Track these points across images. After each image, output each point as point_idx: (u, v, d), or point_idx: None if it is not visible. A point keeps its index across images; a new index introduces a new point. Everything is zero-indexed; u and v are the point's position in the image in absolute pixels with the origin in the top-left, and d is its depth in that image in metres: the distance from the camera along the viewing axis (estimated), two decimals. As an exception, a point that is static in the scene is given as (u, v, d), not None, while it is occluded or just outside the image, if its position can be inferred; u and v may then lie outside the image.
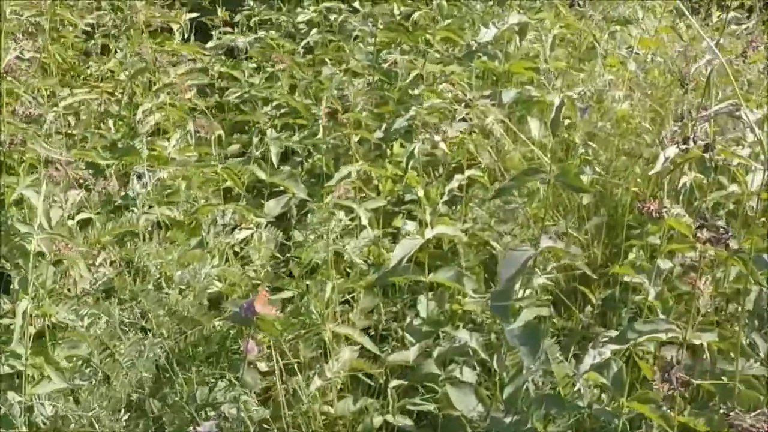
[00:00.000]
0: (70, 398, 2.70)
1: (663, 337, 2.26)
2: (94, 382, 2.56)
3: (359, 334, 3.11)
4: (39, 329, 2.85)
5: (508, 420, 2.55)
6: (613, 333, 2.32)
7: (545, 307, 2.57)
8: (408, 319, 3.49)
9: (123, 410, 2.75)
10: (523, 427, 2.53)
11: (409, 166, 3.32)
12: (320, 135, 3.60)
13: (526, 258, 2.55)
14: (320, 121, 3.38)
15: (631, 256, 3.47)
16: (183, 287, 2.92)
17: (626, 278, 3.09)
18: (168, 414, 2.75)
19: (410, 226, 3.70)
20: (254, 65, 4.81)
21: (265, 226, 3.47)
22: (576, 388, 2.44)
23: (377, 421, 3.09)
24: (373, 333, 3.48)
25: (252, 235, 3.20)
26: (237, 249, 3.51)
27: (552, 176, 2.57)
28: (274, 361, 2.98)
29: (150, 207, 3.12)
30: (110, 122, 3.92)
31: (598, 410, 2.52)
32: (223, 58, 4.83)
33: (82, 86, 4.06)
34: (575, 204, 3.72)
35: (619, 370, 2.40)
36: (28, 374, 2.65)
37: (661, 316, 2.47)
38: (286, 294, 3.38)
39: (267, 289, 2.79)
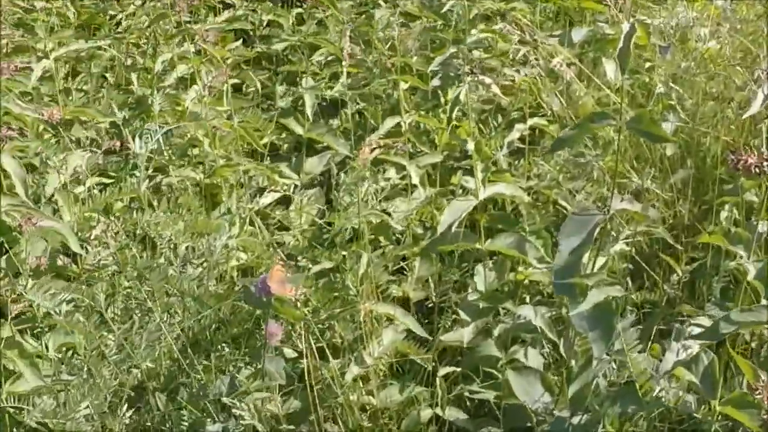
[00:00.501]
0: (62, 394, 2.30)
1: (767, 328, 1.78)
2: (83, 375, 2.14)
3: (402, 314, 2.67)
4: (31, 314, 2.47)
5: (576, 421, 2.10)
6: (703, 319, 1.85)
7: (619, 286, 2.09)
8: (469, 290, 3.04)
9: (125, 406, 2.34)
10: (594, 429, 2.07)
11: (454, 113, 2.86)
12: (343, 80, 3.13)
13: (593, 225, 2.09)
14: (344, 63, 2.92)
15: (723, 215, 2.98)
16: (197, 261, 2.49)
17: (719, 242, 2.60)
18: (174, 413, 2.34)
19: (472, 183, 3.23)
20: (301, 11, 4.36)
21: (300, 189, 3.04)
22: (658, 390, 1.98)
23: (426, 414, 2.65)
24: (431, 305, 3.03)
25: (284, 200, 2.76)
26: (276, 217, 3.09)
27: (623, 122, 2.09)
28: (304, 345, 2.55)
29: (157, 169, 2.69)
30: (134, 76, 3.51)
31: (683, 408, 2.06)
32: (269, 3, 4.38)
33: (104, 38, 3.64)
34: (657, 156, 3.23)
35: (710, 364, 1.93)
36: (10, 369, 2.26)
37: (765, 302, 1.99)
38: (326, 266, 2.95)
39: (282, 263, 2.35)
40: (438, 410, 2.63)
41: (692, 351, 1.87)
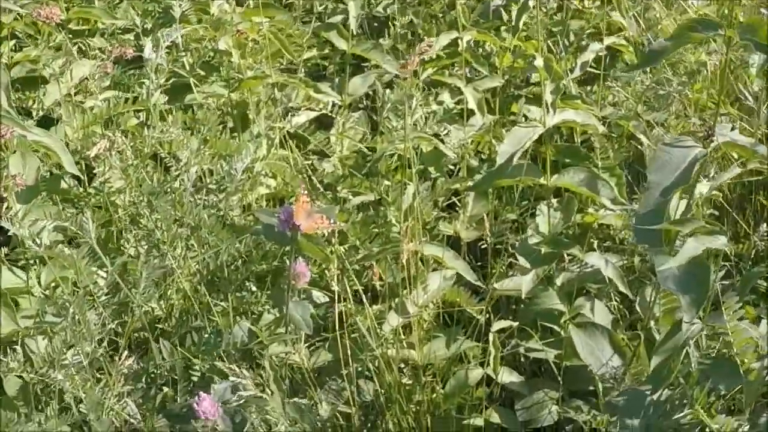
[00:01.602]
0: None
1: None
2: (69, 318, 1.79)
3: (452, 257, 2.30)
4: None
5: (657, 397, 1.72)
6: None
7: (722, 235, 1.70)
8: (529, 232, 2.67)
9: (125, 354, 1.99)
10: (680, 409, 1.69)
11: (521, 22, 2.46)
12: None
13: (692, 159, 1.69)
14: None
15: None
16: (215, 186, 2.13)
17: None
18: (182, 363, 1.99)
19: (535, 112, 2.82)
20: None
21: (342, 110, 2.67)
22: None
23: (475, 374, 2.29)
24: (484, 246, 2.66)
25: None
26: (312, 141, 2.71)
27: (733, 32, 1.68)
28: (337, 289, 2.19)
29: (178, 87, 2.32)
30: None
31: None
32: None
33: None
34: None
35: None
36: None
37: None
38: (367, 198, 2.59)
39: (308, 193, 1.98)
40: (490, 371, 2.26)
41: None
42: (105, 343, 1.86)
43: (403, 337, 2.31)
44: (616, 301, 2.52)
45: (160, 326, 2.28)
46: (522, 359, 2.48)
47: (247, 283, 2.35)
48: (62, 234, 2.00)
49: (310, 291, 2.13)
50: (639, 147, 2.78)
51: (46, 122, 2.52)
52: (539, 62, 2.16)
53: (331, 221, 1.97)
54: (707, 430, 1.75)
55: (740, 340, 1.67)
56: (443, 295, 2.34)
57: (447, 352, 2.34)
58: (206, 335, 2.13)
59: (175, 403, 1.93)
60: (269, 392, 1.86)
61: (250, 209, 2.42)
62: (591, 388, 2.38)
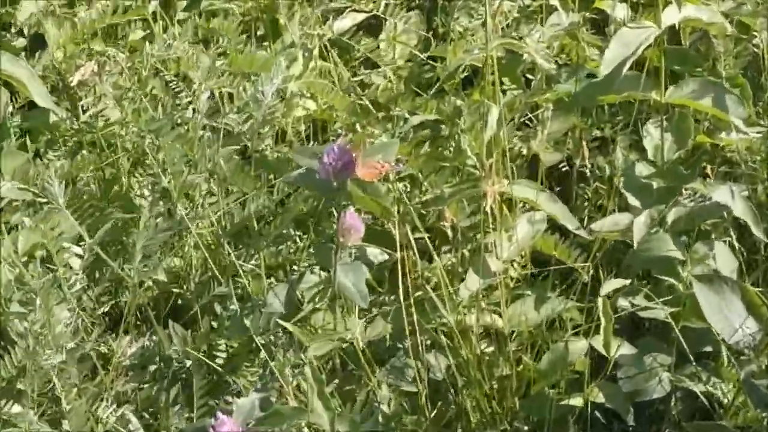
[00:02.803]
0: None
1: None
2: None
3: (548, 199, 1.80)
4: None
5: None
6: None
7: None
8: (618, 156, 2.16)
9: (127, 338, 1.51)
10: None
11: None
12: None
13: None
14: None
15: None
16: (236, 116, 1.63)
17: None
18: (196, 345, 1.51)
19: (620, 9, 2.27)
20: None
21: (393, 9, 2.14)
22: None
23: (578, 347, 1.79)
24: (565, 168, 2.23)
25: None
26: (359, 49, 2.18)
27: None
28: (398, 240, 1.70)
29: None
30: None
31: None
32: None
33: None
34: None
35: None
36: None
37: None
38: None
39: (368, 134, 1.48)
40: (597, 343, 1.76)
41: None
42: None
43: (482, 297, 1.82)
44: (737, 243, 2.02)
45: (175, 291, 1.80)
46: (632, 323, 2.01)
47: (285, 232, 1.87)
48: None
49: (365, 249, 1.62)
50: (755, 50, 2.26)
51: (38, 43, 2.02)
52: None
53: (393, 163, 1.48)
54: None
55: None
56: (533, 246, 1.84)
57: (538, 316, 1.85)
58: (231, 308, 1.65)
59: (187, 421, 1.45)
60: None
61: (284, 139, 1.92)
62: (708, 348, 1.91)
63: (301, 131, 2.04)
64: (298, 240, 1.85)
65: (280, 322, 1.61)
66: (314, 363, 1.50)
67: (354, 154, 1.44)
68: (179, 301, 1.87)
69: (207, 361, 1.58)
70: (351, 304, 1.63)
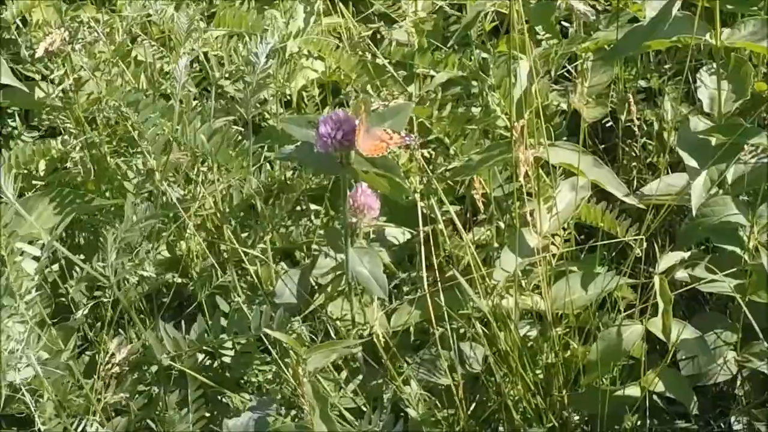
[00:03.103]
0: None
1: None
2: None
3: (592, 164, 1.57)
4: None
5: None
6: None
7: None
8: (668, 108, 1.95)
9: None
10: None
11: None
12: None
13: None
14: None
15: None
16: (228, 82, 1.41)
17: None
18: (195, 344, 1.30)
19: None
20: None
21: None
22: None
23: (634, 333, 1.56)
24: (609, 123, 2.06)
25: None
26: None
27: None
28: (420, 217, 1.48)
29: None
30: None
31: None
32: None
33: None
34: None
35: None
36: None
37: None
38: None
39: (371, 101, 1.26)
40: (654, 326, 1.54)
41: None
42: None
43: (521, 278, 1.60)
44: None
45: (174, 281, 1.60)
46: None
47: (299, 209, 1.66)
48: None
49: (382, 230, 1.40)
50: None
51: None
52: None
53: (405, 135, 1.25)
54: None
55: None
56: (576, 216, 1.62)
57: (585, 296, 1.63)
58: (234, 303, 1.44)
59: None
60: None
61: (291, 105, 1.70)
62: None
63: (314, 95, 1.82)
64: (313, 218, 1.63)
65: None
66: (315, 377, 1.28)
67: (356, 122, 1.22)
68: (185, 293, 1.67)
69: (203, 369, 1.38)
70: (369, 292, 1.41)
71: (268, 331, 1.27)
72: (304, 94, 1.78)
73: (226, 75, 1.45)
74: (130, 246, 1.34)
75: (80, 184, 1.63)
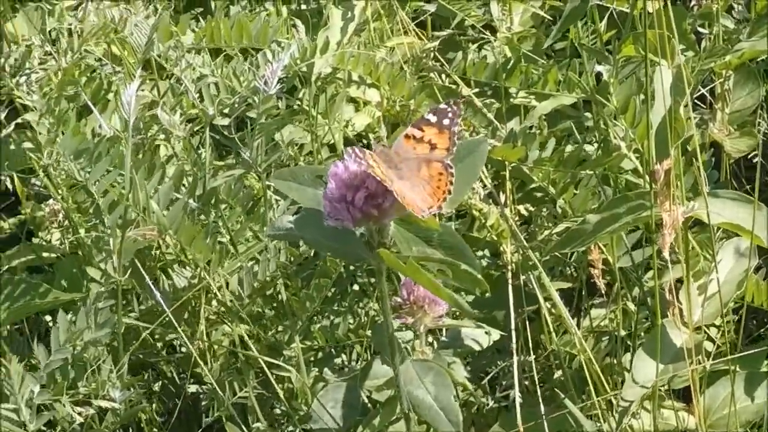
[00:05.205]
0: None
1: None
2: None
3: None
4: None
5: None
6: None
7: None
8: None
9: None
10: None
11: None
12: None
13: None
14: None
15: None
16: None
17: None
18: None
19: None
20: None
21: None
22: None
23: None
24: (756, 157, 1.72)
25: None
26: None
27: None
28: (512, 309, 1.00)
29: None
30: None
31: None
32: None
33: None
34: None
35: None
36: None
37: None
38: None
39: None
40: None
41: None
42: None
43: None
44: None
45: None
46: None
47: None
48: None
49: (458, 329, 0.93)
50: None
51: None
52: None
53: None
54: None
55: None
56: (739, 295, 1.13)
57: (751, 406, 1.14)
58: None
59: None
60: None
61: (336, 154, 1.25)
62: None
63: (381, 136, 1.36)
64: (359, 307, 1.17)
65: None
66: None
67: (378, 169, 0.74)
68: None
69: None
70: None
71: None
72: (338, 135, 1.31)
73: (224, 110, 1.00)
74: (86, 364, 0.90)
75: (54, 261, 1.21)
